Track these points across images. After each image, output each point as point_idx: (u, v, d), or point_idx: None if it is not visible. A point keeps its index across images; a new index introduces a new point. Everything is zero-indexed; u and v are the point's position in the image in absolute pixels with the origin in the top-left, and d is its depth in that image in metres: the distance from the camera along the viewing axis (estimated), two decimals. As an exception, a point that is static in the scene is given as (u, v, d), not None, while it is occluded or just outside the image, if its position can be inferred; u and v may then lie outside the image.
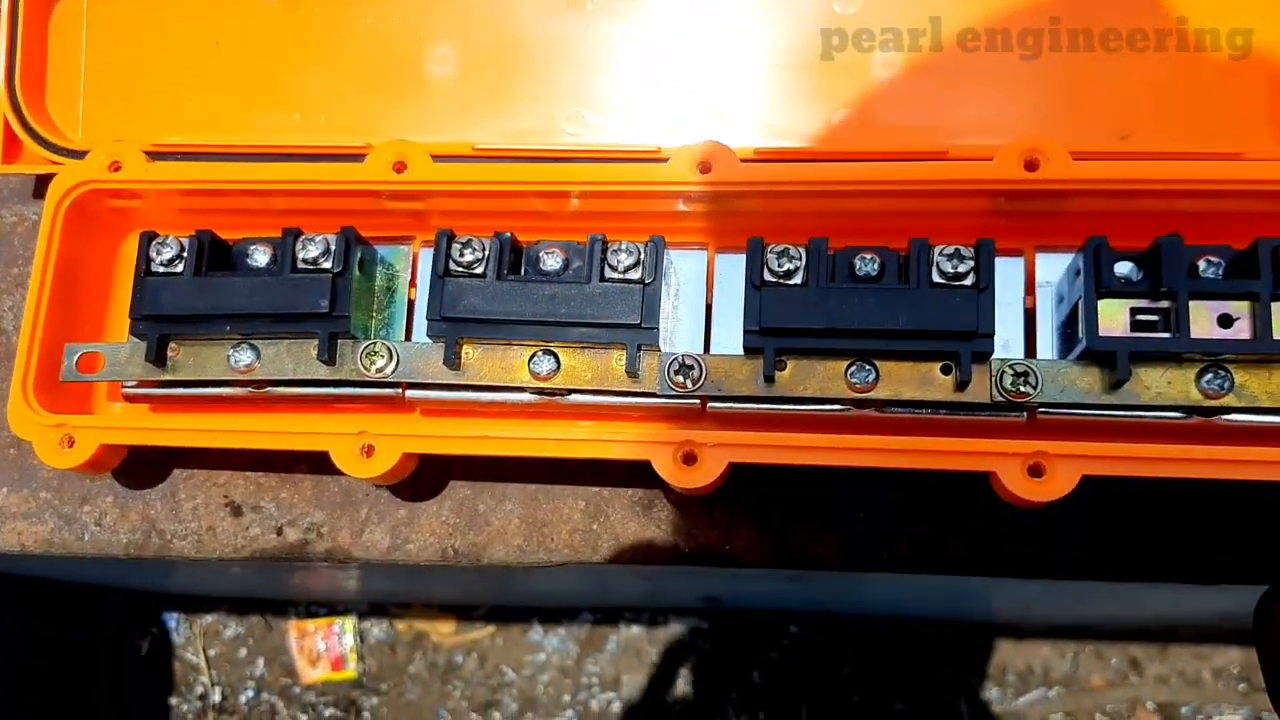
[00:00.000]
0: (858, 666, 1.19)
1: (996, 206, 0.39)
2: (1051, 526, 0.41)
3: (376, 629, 1.25)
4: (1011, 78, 0.44)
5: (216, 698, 1.24)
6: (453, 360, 0.39)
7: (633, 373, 0.38)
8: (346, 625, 1.24)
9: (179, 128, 0.47)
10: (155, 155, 0.44)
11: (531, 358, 0.39)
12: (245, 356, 0.41)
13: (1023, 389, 0.36)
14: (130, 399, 0.43)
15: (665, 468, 0.37)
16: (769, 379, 0.37)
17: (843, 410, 0.38)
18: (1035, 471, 0.35)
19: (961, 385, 0.37)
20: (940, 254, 0.37)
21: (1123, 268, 0.37)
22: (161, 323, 0.40)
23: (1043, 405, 0.37)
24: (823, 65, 0.45)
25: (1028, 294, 0.40)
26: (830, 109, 0.44)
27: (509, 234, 0.39)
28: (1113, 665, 1.19)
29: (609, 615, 1.23)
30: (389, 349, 0.40)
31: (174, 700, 1.24)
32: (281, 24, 0.47)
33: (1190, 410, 0.36)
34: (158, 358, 0.41)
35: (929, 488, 0.42)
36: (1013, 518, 0.39)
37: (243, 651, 1.25)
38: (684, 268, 0.41)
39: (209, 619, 1.26)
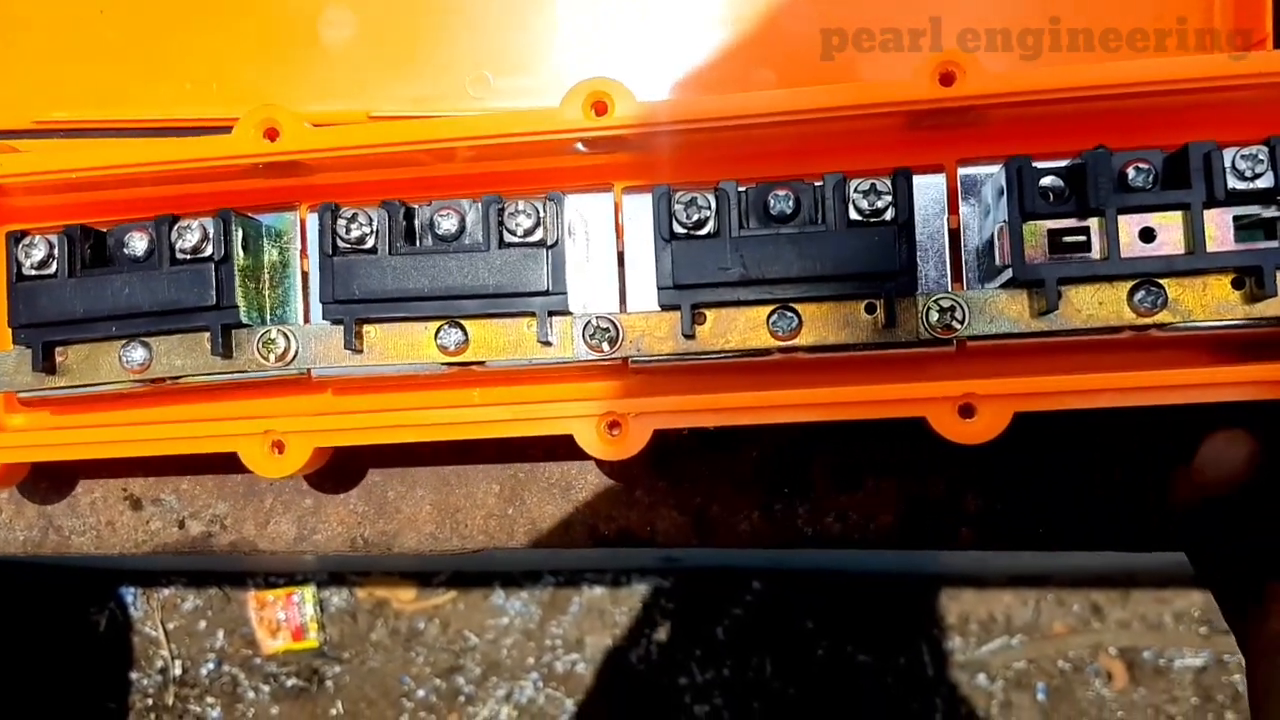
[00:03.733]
0: (820, 620, 1.18)
1: (913, 124, 0.37)
2: (980, 500, 0.40)
3: (337, 597, 1.24)
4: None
5: (177, 671, 1.24)
6: (353, 343, 0.37)
7: (545, 341, 0.36)
8: (306, 595, 1.22)
9: (66, 103, 0.44)
10: (42, 133, 0.42)
11: (438, 331, 0.37)
12: (137, 355, 0.38)
13: (950, 324, 0.35)
14: (28, 404, 0.41)
15: (589, 441, 0.35)
16: (688, 335, 0.36)
17: (769, 358, 0.37)
18: (966, 412, 0.34)
19: (887, 324, 0.35)
20: (856, 190, 0.34)
21: (1049, 181, 0.35)
22: (43, 329, 0.38)
23: (971, 337, 0.35)
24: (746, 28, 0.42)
25: (951, 212, 0.37)
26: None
27: (398, 202, 0.37)
28: (1074, 612, 1.18)
29: (571, 578, 1.22)
30: (286, 335, 0.38)
31: (134, 675, 1.24)
32: (168, -10, 0.43)
33: (1123, 329, 0.35)
34: (46, 365, 0.38)
35: (856, 464, 0.41)
36: (941, 492, 0.38)
37: (202, 624, 1.24)
38: (590, 211, 0.38)
39: (167, 592, 1.25)
